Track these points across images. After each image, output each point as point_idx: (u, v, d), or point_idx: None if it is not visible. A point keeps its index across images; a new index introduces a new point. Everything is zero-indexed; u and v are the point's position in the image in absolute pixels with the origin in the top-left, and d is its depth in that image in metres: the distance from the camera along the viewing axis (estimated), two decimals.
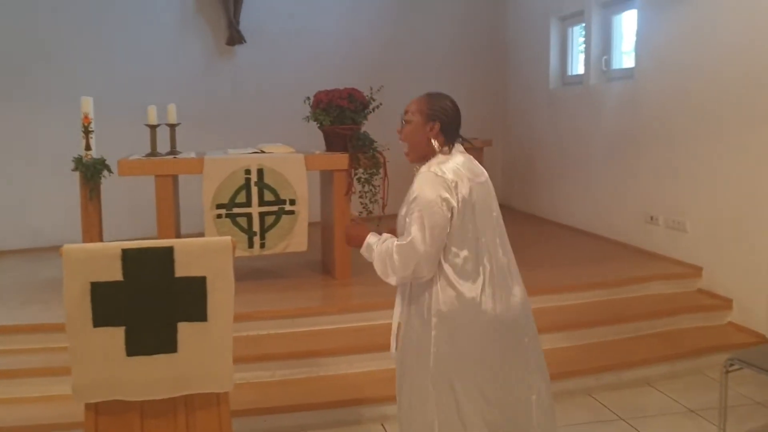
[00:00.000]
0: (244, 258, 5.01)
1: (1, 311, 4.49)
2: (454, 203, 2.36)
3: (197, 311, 2.42)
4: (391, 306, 4.45)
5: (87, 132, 4.77)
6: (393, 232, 2.56)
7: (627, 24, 6.36)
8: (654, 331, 4.64)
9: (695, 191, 5.18)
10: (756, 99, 4.58)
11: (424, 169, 2.44)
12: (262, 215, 4.88)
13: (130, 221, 6.10)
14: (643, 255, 5.68)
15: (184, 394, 2.46)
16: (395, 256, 2.37)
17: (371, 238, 2.51)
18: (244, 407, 3.55)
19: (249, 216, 4.85)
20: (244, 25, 6.99)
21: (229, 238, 2.53)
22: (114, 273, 2.35)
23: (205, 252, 2.43)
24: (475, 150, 7.39)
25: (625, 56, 6.41)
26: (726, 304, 4.85)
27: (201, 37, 6.99)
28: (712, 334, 4.65)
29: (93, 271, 2.34)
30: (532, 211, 7.71)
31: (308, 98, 5.20)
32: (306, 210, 4.94)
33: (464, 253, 2.39)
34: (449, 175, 2.38)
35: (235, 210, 4.82)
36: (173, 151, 4.98)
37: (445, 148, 2.49)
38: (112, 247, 2.37)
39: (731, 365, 3.29)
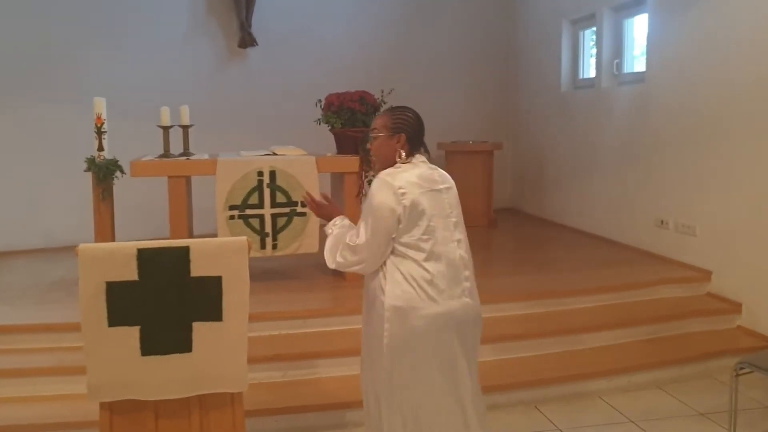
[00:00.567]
0: (256, 259, 5.01)
1: (15, 311, 4.54)
2: (400, 209, 2.51)
3: (212, 311, 2.44)
4: None
5: (100, 133, 4.81)
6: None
7: (638, 28, 6.35)
8: (664, 335, 4.63)
9: (705, 196, 5.17)
10: (767, 104, 4.57)
11: (381, 175, 2.61)
12: (274, 216, 4.91)
13: (142, 222, 6.13)
14: (653, 259, 5.67)
15: (198, 394, 2.48)
16: (343, 252, 2.58)
17: (338, 220, 2.74)
18: (256, 407, 3.56)
19: (261, 217, 4.88)
20: (256, 27, 7.03)
21: (245, 238, 2.55)
22: (129, 273, 2.37)
23: (221, 252, 2.45)
24: (483, 153, 7.46)
25: (636, 60, 6.41)
26: (735, 308, 4.84)
27: (213, 40, 7.04)
28: (721, 338, 4.65)
29: (108, 271, 2.37)
30: (542, 215, 7.71)
31: (320, 101, 5.23)
32: None
33: (414, 253, 2.54)
34: (398, 182, 2.53)
35: (248, 211, 4.85)
36: (186, 153, 5.01)
37: (409, 158, 2.64)
38: (127, 246, 2.40)
39: (741, 369, 3.29)
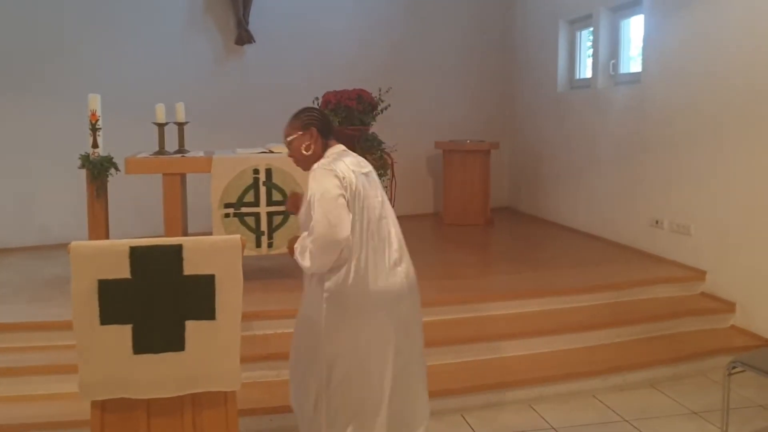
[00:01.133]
0: (251, 257, 5.02)
1: (7, 308, 4.52)
2: (345, 192, 2.67)
3: (205, 310, 2.43)
4: None
5: (94, 129, 4.79)
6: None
7: (635, 28, 6.35)
8: (658, 334, 4.64)
9: (700, 196, 5.17)
10: (761, 105, 4.58)
11: (315, 167, 2.76)
12: (270, 215, 4.89)
13: (136, 220, 6.12)
14: (647, 258, 5.68)
15: (191, 392, 2.47)
16: (313, 251, 2.64)
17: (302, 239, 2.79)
18: (250, 406, 3.56)
19: (257, 215, 4.87)
20: (253, 25, 7.01)
21: (238, 236, 2.54)
22: (122, 270, 2.36)
23: (215, 250, 2.45)
24: (481, 153, 7.47)
25: (632, 61, 6.41)
26: (729, 307, 4.85)
27: (210, 37, 7.02)
28: (715, 337, 4.66)
29: (101, 269, 2.36)
30: (538, 214, 7.72)
31: (317, 98, 5.23)
32: None
33: (358, 236, 2.70)
34: (338, 170, 2.70)
35: (243, 209, 4.84)
36: (181, 150, 5.00)
37: (332, 146, 2.85)
38: (120, 244, 2.39)
39: (734, 368, 3.30)
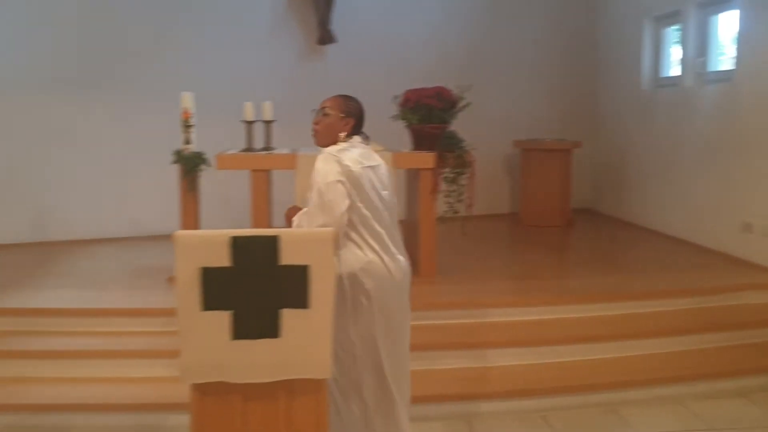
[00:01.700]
0: None
1: (105, 295, 4.76)
2: (344, 179, 2.79)
3: (300, 299, 2.49)
4: (476, 305, 4.51)
5: (187, 126, 4.97)
6: None
7: (725, 25, 6.13)
8: (748, 342, 4.47)
9: None
10: None
11: (327, 151, 2.90)
12: None
13: (223, 213, 6.31)
14: (736, 263, 5.48)
15: (284, 378, 2.54)
16: (303, 220, 2.87)
17: (299, 213, 2.96)
18: None
19: None
20: (335, 25, 7.13)
21: (331, 229, 2.60)
22: (223, 259, 2.45)
23: (309, 242, 2.51)
24: (561, 152, 7.35)
25: (721, 58, 6.19)
26: None
27: (293, 37, 7.19)
28: None
29: (203, 257, 2.45)
30: (621, 216, 7.54)
31: (396, 97, 5.26)
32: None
33: (358, 222, 2.85)
34: (344, 159, 2.83)
35: None
36: (268, 147, 5.13)
37: (348, 139, 2.98)
38: (221, 234, 2.48)
39: None
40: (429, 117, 5.10)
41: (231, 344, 2.48)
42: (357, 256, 2.86)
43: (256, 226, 4.77)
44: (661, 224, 6.72)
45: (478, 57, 7.59)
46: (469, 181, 5.15)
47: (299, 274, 2.49)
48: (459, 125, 5.31)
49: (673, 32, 6.89)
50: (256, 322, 2.49)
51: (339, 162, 2.82)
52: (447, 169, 5.11)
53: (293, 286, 2.49)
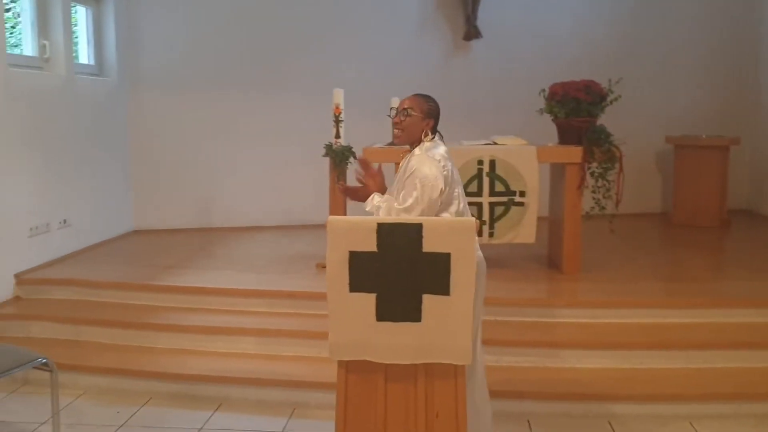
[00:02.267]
0: None
1: (261, 278, 5.11)
2: (442, 180, 2.94)
3: (441, 285, 2.57)
4: (621, 305, 4.40)
5: (337, 121, 5.21)
6: None
7: None
8: None
9: None
10: None
11: (417, 151, 3.04)
12: (492, 205, 5.00)
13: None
14: None
15: (424, 362, 2.63)
16: (400, 214, 2.91)
17: (377, 195, 3.10)
18: None
19: (479, 205, 4.99)
20: (481, 20, 7.15)
21: (473, 219, 2.66)
22: (370, 244, 2.58)
23: (451, 230, 2.58)
24: (718, 148, 6.93)
25: None
26: None
27: (440, 33, 7.29)
28: None
29: (352, 241, 2.60)
30: None
31: (543, 90, 5.21)
32: (536, 202, 4.97)
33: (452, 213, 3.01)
34: (438, 158, 2.99)
35: (467, 199, 4.97)
36: None
37: (432, 138, 3.10)
38: (369, 220, 2.61)
39: None
40: (577, 110, 5.01)
41: (375, 325, 2.61)
42: None
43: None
44: None
45: (627, 48, 7.31)
46: (617, 176, 5.01)
47: (441, 262, 2.57)
48: (607, 120, 5.18)
49: None
50: (398, 305, 2.60)
51: (434, 161, 2.96)
52: (594, 164, 5.00)
53: (435, 272, 2.57)
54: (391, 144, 5.19)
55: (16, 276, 5.09)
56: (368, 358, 2.65)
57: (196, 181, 7.12)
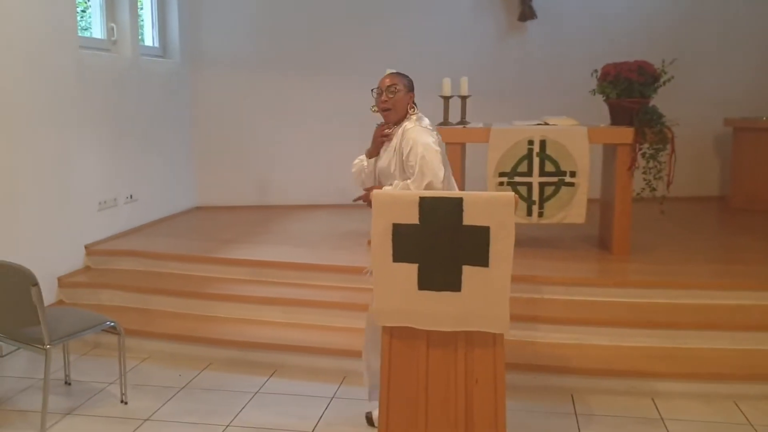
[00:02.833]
0: (521, 225, 5.20)
1: (315, 253, 5.30)
2: (441, 149, 3.14)
3: (480, 257, 2.69)
4: (676, 285, 4.42)
5: None
6: None
7: None
8: None
9: None
10: None
11: (409, 125, 3.20)
12: (542, 185, 5.05)
13: None
14: None
15: (464, 330, 2.76)
16: (413, 188, 3.02)
17: (386, 188, 3.17)
18: (515, 361, 3.78)
19: (529, 185, 5.06)
20: (537, 1, 7.13)
21: (512, 194, 2.75)
22: (412, 216, 2.72)
23: (490, 205, 2.69)
24: None
25: None
26: None
27: (494, 14, 7.30)
28: None
29: (395, 214, 2.74)
30: None
31: (596, 71, 5.21)
32: (586, 183, 5.00)
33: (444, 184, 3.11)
34: (430, 128, 3.20)
35: (517, 179, 5.06)
36: (463, 121, 5.35)
37: (416, 111, 3.28)
38: (411, 194, 2.75)
39: None
40: (629, 91, 5.00)
41: (417, 294, 2.75)
42: None
43: None
44: None
45: (684, 27, 7.17)
46: (668, 157, 4.99)
47: (480, 235, 2.68)
48: (664, 101, 5.15)
49: None
50: (439, 275, 2.73)
51: (429, 131, 3.16)
52: (646, 145, 4.99)
53: (474, 245, 2.69)
54: (444, 124, 5.30)
55: (86, 247, 5.43)
56: (410, 325, 2.79)
57: (255, 160, 7.38)
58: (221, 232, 6.11)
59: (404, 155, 3.14)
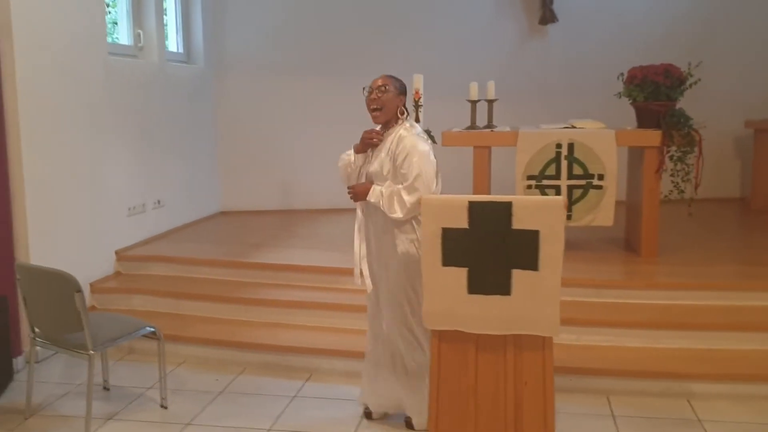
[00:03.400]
0: None
1: (344, 256, 5.27)
2: (435, 160, 3.17)
3: (530, 261, 2.72)
4: (705, 287, 4.42)
5: (417, 106, 5.33)
6: None
7: None
8: None
9: None
10: None
11: (405, 133, 3.22)
12: (570, 188, 5.07)
13: (444, 187, 6.69)
14: None
15: (513, 333, 2.79)
16: (405, 196, 3.08)
17: (376, 187, 3.25)
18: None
19: (557, 188, 5.07)
20: (557, 4, 7.16)
21: (561, 198, 2.79)
22: (461, 221, 2.75)
23: (540, 209, 2.72)
24: None
25: None
26: None
27: (516, 18, 7.33)
28: None
29: (444, 219, 2.77)
30: None
31: (622, 74, 5.23)
32: (614, 186, 5.02)
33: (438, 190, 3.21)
34: (425, 136, 3.25)
35: (545, 182, 5.08)
36: (490, 125, 5.38)
37: (407, 116, 3.31)
38: (461, 199, 2.78)
39: None
40: (656, 94, 5.03)
41: (467, 298, 2.78)
42: None
43: None
44: None
45: (704, 30, 7.17)
46: (696, 160, 5.01)
47: (530, 238, 2.71)
48: (684, 103, 5.16)
49: None
50: (489, 279, 2.76)
51: (425, 139, 3.21)
52: (673, 148, 5.00)
53: (524, 249, 2.72)
54: (472, 128, 5.32)
55: (117, 253, 5.47)
56: (460, 329, 2.82)
57: (278, 164, 7.42)
58: (248, 236, 6.15)
59: (398, 161, 3.17)
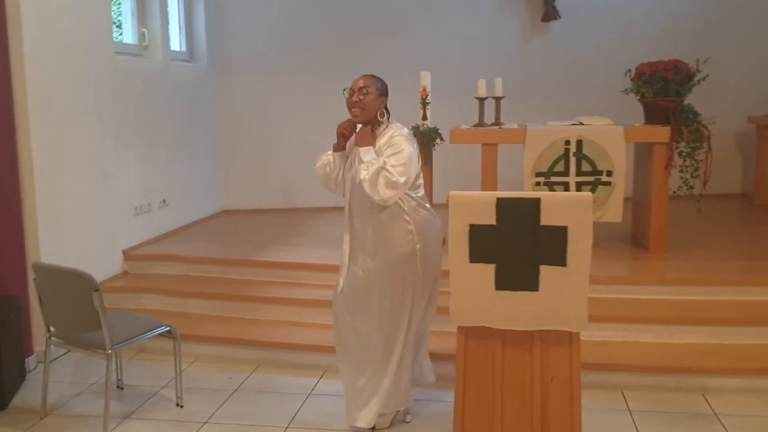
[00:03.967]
0: None
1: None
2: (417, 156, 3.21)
3: (558, 257, 2.71)
4: (715, 282, 4.44)
5: (424, 104, 5.34)
6: None
7: None
8: None
9: None
10: None
11: (396, 132, 3.21)
12: (578, 185, 5.07)
13: (451, 185, 6.68)
14: None
15: (541, 329, 2.78)
16: (381, 184, 3.08)
17: (372, 150, 3.21)
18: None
19: (566, 185, 5.08)
20: (559, 1, 7.17)
21: (590, 194, 2.78)
22: (489, 217, 2.74)
23: (569, 205, 2.72)
24: None
25: None
26: None
27: (518, 15, 7.33)
28: None
29: (472, 215, 2.76)
30: None
31: (629, 70, 5.25)
32: (623, 182, 5.03)
33: (421, 187, 3.32)
34: (411, 137, 3.24)
35: (553, 179, 5.08)
36: (497, 122, 5.38)
37: (387, 116, 3.30)
38: (488, 195, 2.77)
39: None
40: (665, 90, 5.05)
41: (494, 294, 2.78)
42: (422, 212, 3.27)
43: None
44: None
45: (707, 26, 7.20)
46: (705, 155, 5.03)
47: (558, 234, 2.71)
48: (696, 98, 5.19)
49: None
50: (516, 275, 2.76)
51: (412, 140, 3.23)
52: (682, 144, 5.02)
53: (552, 245, 2.72)
54: (480, 125, 5.32)
55: (124, 252, 5.43)
56: (487, 325, 2.82)
57: (281, 163, 7.39)
58: (254, 235, 6.12)
59: (385, 155, 3.15)
